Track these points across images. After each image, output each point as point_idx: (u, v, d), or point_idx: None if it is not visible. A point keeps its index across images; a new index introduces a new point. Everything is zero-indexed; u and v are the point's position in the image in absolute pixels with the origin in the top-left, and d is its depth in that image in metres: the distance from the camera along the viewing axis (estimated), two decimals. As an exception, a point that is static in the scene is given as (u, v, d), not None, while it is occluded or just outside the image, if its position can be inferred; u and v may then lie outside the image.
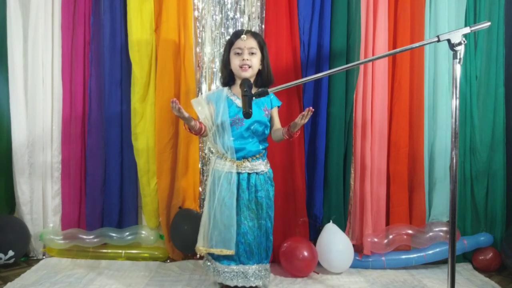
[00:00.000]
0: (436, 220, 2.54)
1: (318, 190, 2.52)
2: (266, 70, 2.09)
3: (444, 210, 2.55)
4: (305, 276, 2.35)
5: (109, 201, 2.62)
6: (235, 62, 2.04)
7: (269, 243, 2.09)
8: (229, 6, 2.58)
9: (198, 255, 1.98)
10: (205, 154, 2.65)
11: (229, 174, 2.01)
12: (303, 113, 1.89)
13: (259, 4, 2.57)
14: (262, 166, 2.06)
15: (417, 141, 2.54)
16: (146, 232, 2.61)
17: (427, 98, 2.54)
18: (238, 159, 2.03)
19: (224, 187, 2.00)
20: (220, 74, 2.18)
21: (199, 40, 2.60)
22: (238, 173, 2.03)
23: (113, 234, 2.57)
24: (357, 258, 2.47)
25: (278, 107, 2.17)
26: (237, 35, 2.05)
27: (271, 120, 2.13)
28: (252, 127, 2.04)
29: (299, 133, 2.02)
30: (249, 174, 2.04)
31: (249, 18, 2.57)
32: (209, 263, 2.10)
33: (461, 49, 1.49)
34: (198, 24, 2.59)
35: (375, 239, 2.45)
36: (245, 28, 2.53)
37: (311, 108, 1.88)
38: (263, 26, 2.54)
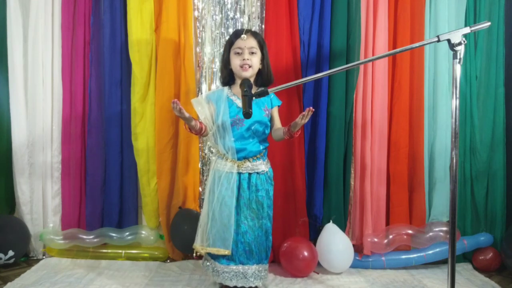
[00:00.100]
0: (436, 220, 2.54)
1: (318, 190, 2.52)
2: (266, 69, 2.09)
3: (444, 210, 2.55)
4: (305, 276, 2.35)
5: (109, 201, 2.62)
6: (235, 62, 2.04)
7: (268, 243, 2.09)
8: (229, 6, 2.58)
9: (195, 253, 1.98)
10: (205, 154, 2.65)
11: (230, 174, 2.01)
12: (304, 113, 1.89)
13: (259, 4, 2.57)
14: (263, 166, 2.06)
15: (417, 141, 2.54)
16: (146, 232, 2.61)
17: (427, 98, 2.54)
18: (239, 159, 2.03)
19: (225, 186, 2.00)
20: (220, 74, 2.18)
21: (199, 40, 2.60)
22: (239, 173, 2.03)
23: (113, 234, 2.57)
24: (357, 258, 2.47)
25: (278, 106, 2.17)
26: (237, 34, 2.05)
27: (271, 119, 2.13)
28: (252, 128, 2.04)
29: (300, 133, 2.02)
30: (249, 174, 2.04)
31: (249, 18, 2.57)
32: (208, 263, 2.10)
33: (461, 49, 1.49)
34: (198, 24, 2.59)
35: (375, 239, 2.45)
36: (245, 28, 2.53)
37: (311, 108, 1.87)
38: (263, 26, 2.54)
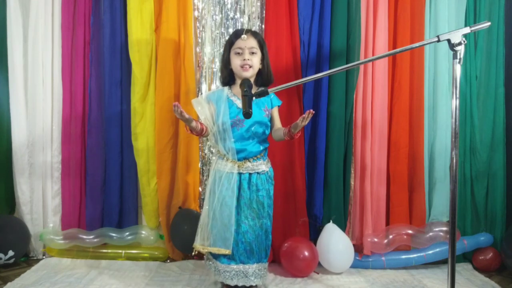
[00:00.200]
0: (436, 220, 2.54)
1: (318, 190, 2.52)
2: (266, 69, 2.09)
3: (444, 210, 2.55)
4: (305, 276, 2.35)
5: (109, 201, 2.62)
6: (236, 62, 2.04)
7: (268, 242, 2.09)
8: (229, 6, 2.58)
9: (194, 252, 1.99)
10: (205, 154, 2.65)
11: (230, 174, 2.01)
12: (304, 115, 1.88)
13: (259, 4, 2.57)
14: (263, 166, 2.06)
15: (417, 141, 2.54)
16: (146, 232, 2.61)
17: (427, 98, 2.54)
18: (239, 160, 2.03)
19: (225, 186, 2.00)
20: (220, 74, 2.18)
21: (199, 40, 2.60)
22: (240, 173, 2.03)
23: (113, 234, 2.57)
24: (357, 258, 2.47)
25: (278, 106, 2.17)
26: (237, 34, 2.05)
27: (271, 119, 2.13)
28: (252, 128, 2.04)
29: (300, 134, 2.02)
30: (250, 174, 2.04)
31: (249, 18, 2.57)
32: (210, 262, 2.10)
33: (461, 49, 1.49)
34: (198, 24, 2.59)
35: (375, 239, 2.45)
36: (245, 28, 2.53)
37: (311, 110, 1.87)
38: (263, 26, 2.54)
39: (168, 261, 2.62)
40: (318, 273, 2.40)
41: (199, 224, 2.09)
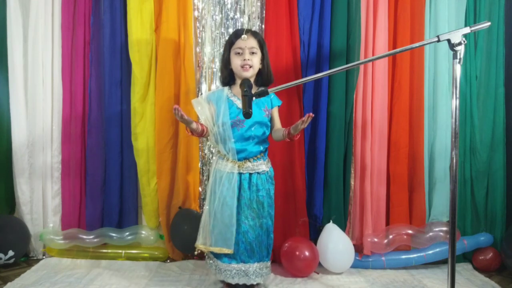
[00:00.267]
0: (436, 220, 2.54)
1: (318, 190, 2.52)
2: (266, 69, 2.09)
3: (444, 210, 2.55)
4: (306, 276, 2.35)
5: (109, 201, 2.62)
6: (236, 62, 2.04)
7: (269, 241, 2.10)
8: (229, 6, 2.58)
9: (197, 251, 2.00)
10: (205, 154, 2.65)
11: (231, 174, 2.01)
12: (303, 118, 1.89)
13: (259, 4, 2.57)
14: (263, 165, 2.07)
15: (417, 141, 2.54)
16: (146, 232, 2.61)
17: (427, 98, 2.54)
18: (239, 160, 2.03)
19: (226, 186, 2.01)
20: (220, 74, 2.18)
21: (199, 40, 2.60)
22: (240, 173, 2.03)
23: (113, 234, 2.57)
24: (357, 258, 2.47)
25: (278, 106, 2.17)
26: (237, 35, 2.05)
27: (271, 120, 2.13)
28: (253, 128, 2.04)
29: (299, 136, 2.02)
30: (250, 174, 2.04)
31: (249, 18, 2.57)
32: (211, 261, 2.11)
33: (461, 49, 1.49)
34: (198, 24, 2.59)
35: (375, 239, 2.45)
36: (245, 28, 2.53)
37: (311, 114, 1.87)
38: (263, 26, 2.54)
39: (168, 261, 2.62)
40: (318, 273, 2.39)
41: (200, 224, 2.09)
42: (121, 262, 2.57)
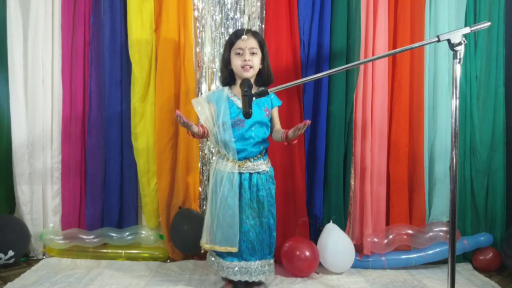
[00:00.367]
0: (436, 220, 2.54)
1: (318, 190, 2.51)
2: (266, 69, 2.09)
3: (444, 210, 2.55)
4: (306, 276, 2.35)
5: (109, 201, 2.62)
6: (236, 63, 2.04)
7: (272, 239, 2.11)
8: (229, 6, 2.58)
9: (202, 250, 2.02)
10: (205, 154, 2.65)
11: (231, 174, 2.02)
12: (299, 126, 1.89)
13: (259, 4, 2.57)
14: (263, 165, 2.07)
15: (417, 141, 2.54)
16: (146, 232, 2.61)
17: (427, 98, 2.54)
18: (239, 159, 2.03)
19: (227, 187, 2.01)
20: (220, 74, 2.18)
21: (199, 40, 2.59)
22: (240, 173, 2.03)
23: (113, 234, 2.57)
24: (357, 258, 2.47)
25: (278, 106, 2.18)
26: (237, 35, 2.05)
27: (271, 120, 2.14)
28: (253, 128, 2.04)
29: (296, 141, 2.03)
30: (250, 174, 2.04)
31: (249, 18, 2.57)
32: (213, 258, 2.12)
33: (461, 49, 1.49)
34: (198, 24, 2.59)
35: (375, 239, 2.45)
36: (245, 28, 2.53)
37: (307, 121, 1.87)
38: (263, 26, 2.54)
39: (168, 261, 2.62)
40: (318, 273, 2.39)
41: (204, 224, 2.11)
42: (121, 262, 2.57)
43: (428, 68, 2.53)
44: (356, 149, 2.52)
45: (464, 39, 1.49)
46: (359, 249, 2.51)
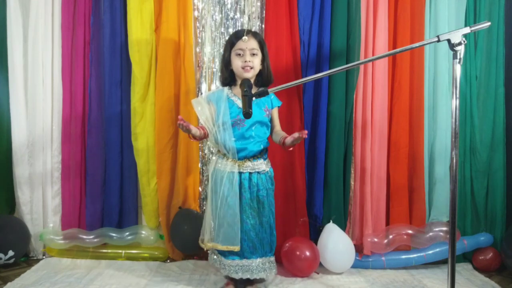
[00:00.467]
0: (436, 220, 2.54)
1: (318, 190, 2.52)
2: (266, 70, 2.10)
3: (444, 210, 2.55)
4: (306, 276, 2.35)
5: (109, 201, 2.62)
6: (237, 63, 2.04)
7: (272, 238, 2.12)
8: (229, 6, 2.58)
9: (205, 248, 2.03)
10: (205, 154, 2.65)
11: (231, 174, 2.02)
12: (295, 136, 1.90)
13: (259, 4, 2.57)
14: (263, 165, 2.07)
15: (417, 141, 2.54)
16: (146, 232, 2.61)
17: (427, 98, 2.54)
18: (239, 159, 2.04)
19: (227, 186, 2.02)
20: (220, 74, 2.19)
21: (199, 40, 2.60)
22: (240, 173, 2.04)
23: (113, 234, 2.57)
24: (357, 258, 2.47)
25: (278, 107, 2.18)
26: (238, 36, 2.05)
27: (271, 120, 2.14)
28: (253, 128, 2.05)
29: (292, 148, 2.03)
30: (250, 173, 2.05)
31: (249, 18, 2.57)
32: (215, 257, 2.14)
33: (461, 49, 1.49)
34: (198, 24, 2.59)
35: (375, 239, 2.45)
36: (245, 28, 2.53)
37: (304, 132, 1.86)
38: (263, 26, 2.54)
39: (168, 261, 2.62)
40: (318, 273, 2.39)
41: (204, 224, 2.11)
42: (121, 262, 2.57)
43: (428, 68, 2.53)
44: (356, 149, 2.52)
45: (464, 39, 1.49)
46: (359, 249, 2.51)
